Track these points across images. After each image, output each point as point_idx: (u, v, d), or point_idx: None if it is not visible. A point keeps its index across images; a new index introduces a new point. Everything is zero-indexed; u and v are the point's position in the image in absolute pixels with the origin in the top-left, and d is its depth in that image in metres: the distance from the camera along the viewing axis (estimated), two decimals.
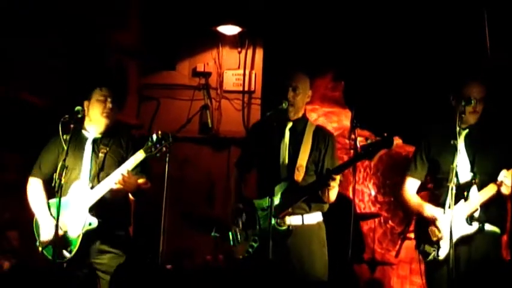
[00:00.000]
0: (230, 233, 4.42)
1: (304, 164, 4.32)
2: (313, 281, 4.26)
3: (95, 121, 4.60)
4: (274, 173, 4.27)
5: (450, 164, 4.08)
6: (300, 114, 4.46)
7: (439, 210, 4.27)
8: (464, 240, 4.21)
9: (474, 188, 4.25)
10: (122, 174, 4.39)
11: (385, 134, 3.98)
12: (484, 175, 4.26)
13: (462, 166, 4.29)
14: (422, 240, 4.39)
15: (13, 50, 5.73)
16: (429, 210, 4.35)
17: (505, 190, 4.16)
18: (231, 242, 4.42)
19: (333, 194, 4.28)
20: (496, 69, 4.64)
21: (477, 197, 4.23)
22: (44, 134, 4.76)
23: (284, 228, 4.20)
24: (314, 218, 4.35)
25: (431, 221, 4.30)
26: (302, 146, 4.36)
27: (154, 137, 4.38)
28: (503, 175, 4.17)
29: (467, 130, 4.37)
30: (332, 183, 4.13)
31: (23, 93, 5.83)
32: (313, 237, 4.33)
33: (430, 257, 4.30)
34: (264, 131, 4.45)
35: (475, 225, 4.21)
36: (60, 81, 6.05)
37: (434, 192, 4.46)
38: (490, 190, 4.20)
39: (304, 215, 4.30)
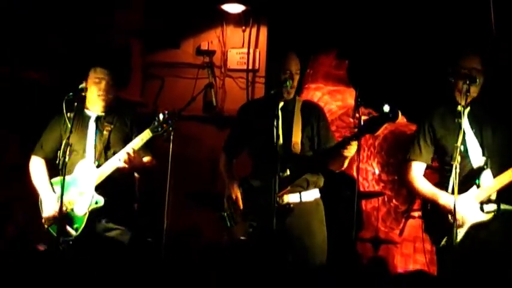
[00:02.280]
0: (226, 215, 4.42)
1: (299, 141, 4.32)
2: (312, 262, 4.25)
3: (92, 101, 4.64)
4: (271, 152, 4.20)
5: (455, 144, 3.93)
6: (293, 94, 4.45)
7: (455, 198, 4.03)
8: (478, 227, 4.07)
9: (488, 173, 4.10)
10: (128, 153, 4.41)
11: (387, 107, 3.81)
12: (496, 155, 4.13)
13: (473, 150, 4.17)
14: (433, 226, 4.25)
15: (13, 49, 5.73)
16: (445, 198, 4.13)
17: None
18: (228, 224, 4.42)
19: (347, 162, 4.23)
20: (498, 68, 4.57)
21: (492, 183, 4.07)
22: (46, 114, 4.78)
23: (284, 205, 4.20)
24: (311, 195, 4.35)
25: (448, 209, 4.06)
26: (294, 123, 4.36)
27: (161, 116, 4.38)
28: None
29: (468, 108, 4.21)
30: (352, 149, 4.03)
31: (27, 72, 5.85)
32: (312, 215, 4.33)
33: (443, 242, 4.13)
34: (254, 112, 4.48)
35: (489, 214, 4.06)
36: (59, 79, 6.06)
37: (446, 175, 4.21)
38: (508, 177, 4.02)
39: (302, 193, 4.30)
